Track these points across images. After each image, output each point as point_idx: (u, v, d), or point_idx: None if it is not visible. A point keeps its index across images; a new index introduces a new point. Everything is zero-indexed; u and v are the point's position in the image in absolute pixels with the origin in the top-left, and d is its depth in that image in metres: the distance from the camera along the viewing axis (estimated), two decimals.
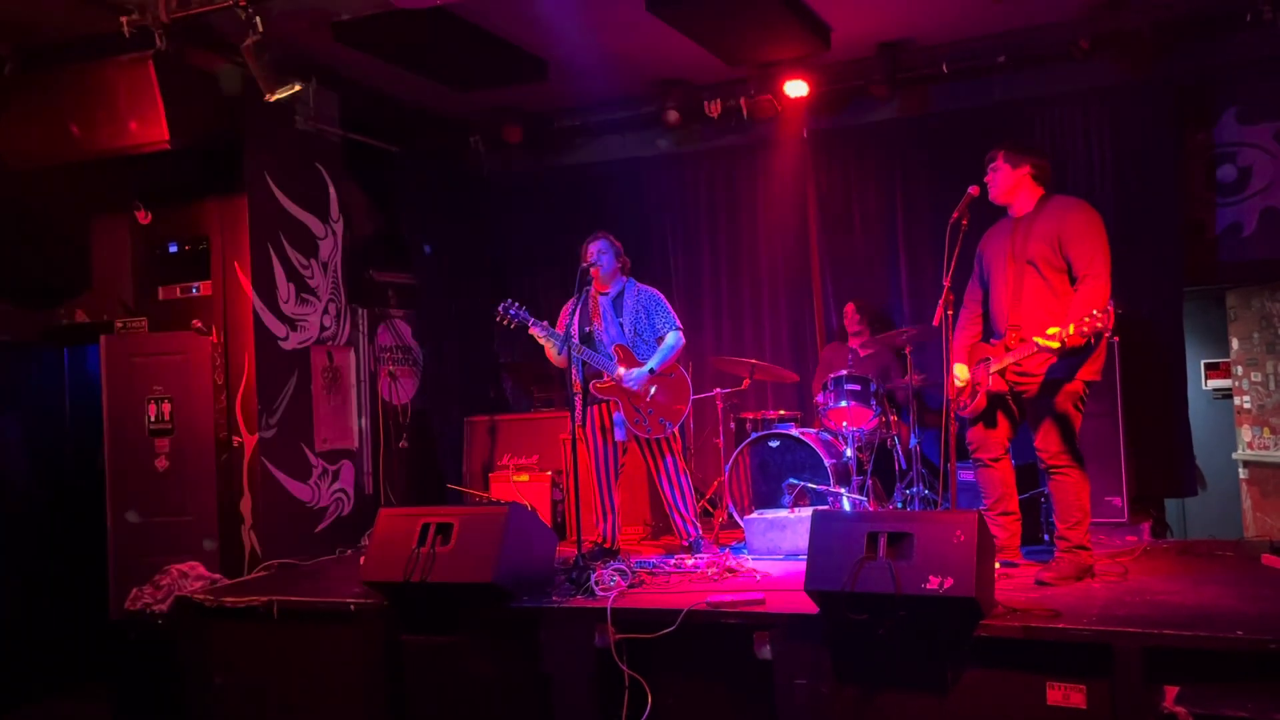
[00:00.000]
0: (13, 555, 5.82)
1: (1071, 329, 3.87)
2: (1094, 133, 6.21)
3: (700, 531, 5.40)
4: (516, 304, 5.13)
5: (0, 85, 5.42)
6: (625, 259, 5.40)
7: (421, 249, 7.25)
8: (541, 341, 5.19)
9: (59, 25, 5.29)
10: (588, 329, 5.27)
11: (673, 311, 5.42)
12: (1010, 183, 4.42)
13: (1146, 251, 6.01)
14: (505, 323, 5.11)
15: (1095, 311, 3.84)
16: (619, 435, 5.22)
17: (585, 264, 5.17)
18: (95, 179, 5.95)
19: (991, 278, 4.50)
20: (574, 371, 5.07)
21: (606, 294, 5.37)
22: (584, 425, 5.22)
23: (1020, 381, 4.32)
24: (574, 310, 5.10)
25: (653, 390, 5.23)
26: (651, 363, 5.23)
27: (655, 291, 5.45)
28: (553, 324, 5.26)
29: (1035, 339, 4.01)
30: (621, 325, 5.30)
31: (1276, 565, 4.32)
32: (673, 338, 5.32)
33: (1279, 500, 6.35)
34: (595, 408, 5.27)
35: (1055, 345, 3.93)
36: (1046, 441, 4.31)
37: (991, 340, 4.52)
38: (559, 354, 5.17)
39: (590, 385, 5.19)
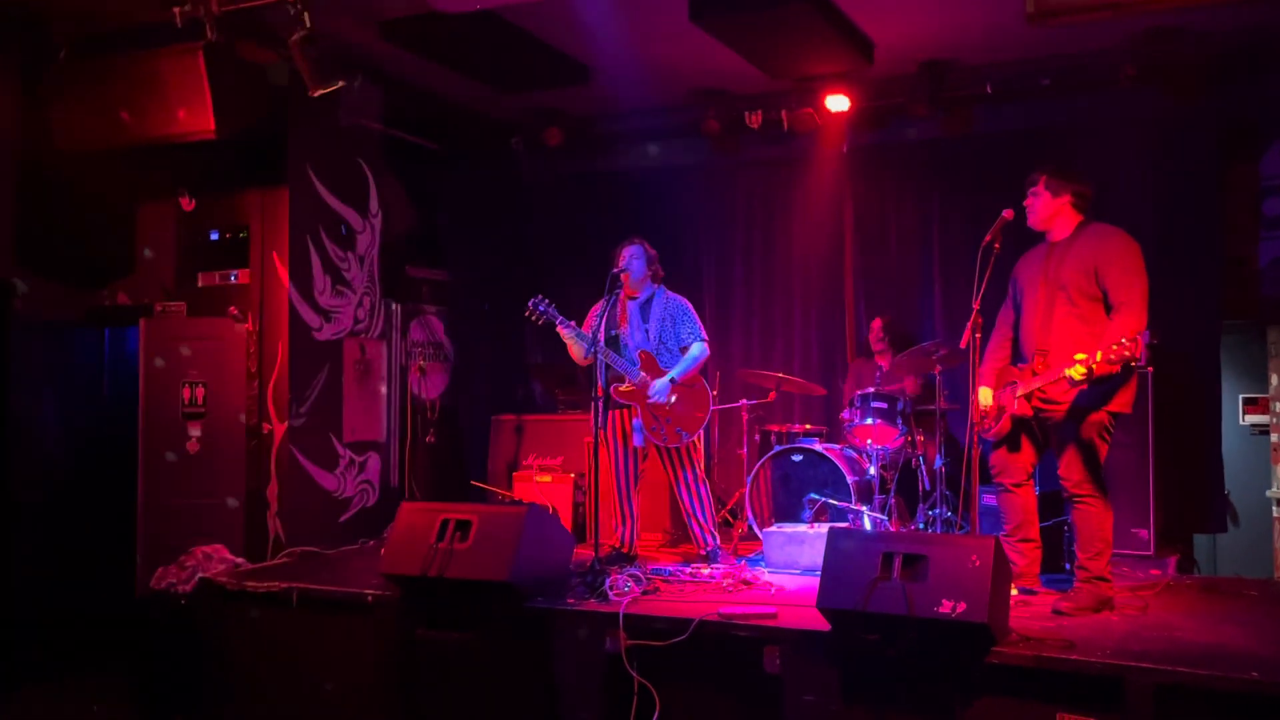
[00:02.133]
0: (48, 531, 5.94)
1: (1099, 356, 3.83)
2: (1137, 162, 6.14)
3: (718, 542, 5.41)
4: (546, 300, 5.15)
5: (55, 70, 5.54)
6: (658, 266, 5.42)
7: (463, 259, 7.32)
8: (567, 341, 5.22)
9: (113, 14, 5.43)
10: (614, 332, 5.29)
11: (699, 322, 5.43)
12: (1051, 210, 4.38)
13: (1186, 284, 5.93)
14: (534, 318, 5.13)
15: (1124, 340, 3.80)
16: (637, 441, 5.23)
17: (616, 268, 5.19)
18: (142, 165, 6.07)
19: (1023, 302, 4.47)
20: (598, 374, 5.09)
21: (635, 299, 5.39)
22: (604, 429, 5.21)
23: (1046, 408, 4.29)
24: (602, 313, 5.12)
25: (672, 399, 5.23)
26: (673, 372, 5.24)
27: (684, 300, 5.46)
28: (580, 325, 5.28)
29: (1065, 371, 3.96)
30: (647, 331, 5.33)
31: None
32: (697, 348, 5.33)
33: None
34: (616, 412, 5.29)
35: (1082, 373, 3.89)
36: (1070, 470, 4.26)
37: (1019, 365, 4.48)
38: (584, 356, 5.20)
39: (611, 389, 5.20)
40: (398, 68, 6.41)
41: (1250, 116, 6.06)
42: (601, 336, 5.05)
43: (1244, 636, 3.78)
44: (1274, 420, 6.54)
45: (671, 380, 5.22)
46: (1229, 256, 6.06)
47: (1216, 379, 6.05)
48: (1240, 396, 7.61)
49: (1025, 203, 4.43)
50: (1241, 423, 7.64)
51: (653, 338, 5.32)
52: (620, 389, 5.20)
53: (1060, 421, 4.27)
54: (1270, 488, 6.58)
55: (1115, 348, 3.80)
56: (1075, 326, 4.21)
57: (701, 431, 5.38)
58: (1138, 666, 3.31)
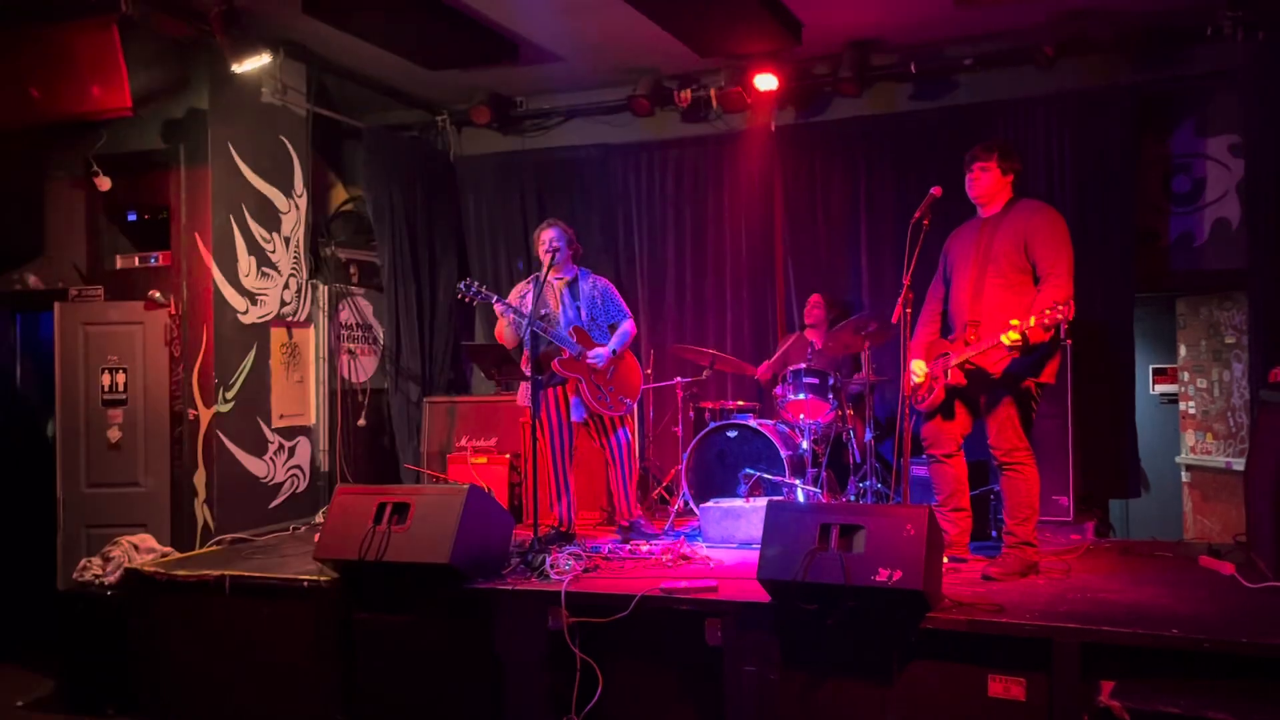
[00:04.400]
0: None
1: (1033, 321, 3.99)
2: (1055, 138, 6.31)
3: (640, 513, 5.52)
4: (477, 283, 5.16)
5: None
6: (578, 245, 5.46)
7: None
8: (502, 319, 5.22)
9: None
10: (544, 311, 5.30)
11: (623, 301, 5.55)
12: (998, 185, 4.49)
13: (1101, 257, 6.13)
14: (467, 300, 5.13)
15: (1058, 304, 3.96)
16: (577, 416, 5.30)
17: (542, 250, 5.22)
18: (53, 143, 5.85)
19: (954, 275, 4.58)
20: (529, 351, 5.09)
21: (561, 278, 5.41)
22: (541, 405, 5.24)
23: (977, 376, 4.40)
24: (525, 294, 5.20)
25: (612, 371, 5.34)
26: (612, 344, 5.33)
27: (607, 281, 5.56)
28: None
29: (1000, 337, 4.09)
30: (579, 309, 5.38)
31: (1213, 567, 4.45)
32: (627, 325, 5.46)
33: (1219, 504, 6.53)
34: (553, 389, 5.31)
35: (1015, 338, 4.03)
36: (1000, 438, 4.40)
37: (950, 337, 4.60)
38: (516, 336, 5.21)
39: (553, 363, 5.21)
40: (321, 45, 6.27)
41: (1162, 96, 6.27)
42: (530, 314, 5.06)
43: (1162, 596, 3.95)
44: (1182, 389, 6.82)
45: (613, 351, 5.30)
46: (1141, 230, 6.28)
47: (1130, 349, 6.28)
48: (1150, 367, 7.92)
49: (970, 176, 4.51)
50: (1151, 392, 7.95)
51: (584, 315, 5.37)
52: (563, 361, 5.22)
53: (991, 391, 4.40)
54: (1179, 454, 6.88)
55: (1048, 313, 3.95)
56: (1005, 298, 4.34)
57: (634, 405, 5.48)
58: (1064, 627, 3.44)
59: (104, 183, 5.90)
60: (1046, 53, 5.99)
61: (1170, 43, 5.98)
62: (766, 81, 6.54)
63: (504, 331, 5.27)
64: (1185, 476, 6.84)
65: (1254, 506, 4.69)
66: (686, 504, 5.91)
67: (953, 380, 4.43)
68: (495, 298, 5.13)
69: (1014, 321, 4.06)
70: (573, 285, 5.41)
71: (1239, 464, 6.09)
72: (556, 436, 5.34)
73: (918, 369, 4.56)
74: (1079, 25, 5.84)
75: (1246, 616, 3.61)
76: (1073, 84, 6.23)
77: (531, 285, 5.26)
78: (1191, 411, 6.76)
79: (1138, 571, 4.50)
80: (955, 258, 4.59)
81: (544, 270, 5.15)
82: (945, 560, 4.21)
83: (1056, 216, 4.40)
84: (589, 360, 5.25)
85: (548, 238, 5.27)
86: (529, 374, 5.05)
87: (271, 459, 6.27)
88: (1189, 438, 6.78)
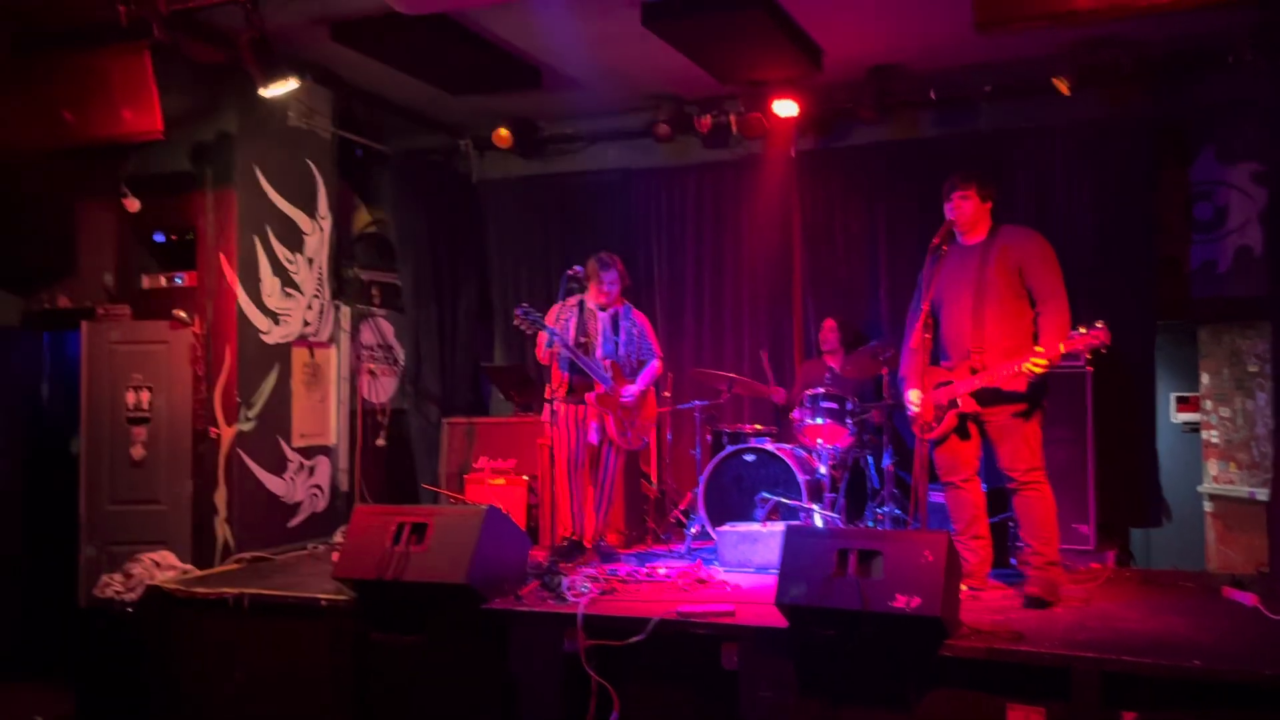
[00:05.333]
0: None
1: (1062, 348, 4.06)
2: (1075, 165, 6.32)
3: (610, 541, 5.71)
4: (532, 309, 5.26)
5: None
6: (629, 281, 5.68)
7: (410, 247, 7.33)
8: (546, 344, 5.33)
9: (57, 12, 5.30)
10: (584, 339, 5.49)
11: (656, 341, 5.75)
12: (978, 213, 4.54)
13: (1122, 284, 6.11)
14: (524, 326, 5.25)
15: (1081, 329, 4.01)
16: (593, 438, 5.47)
17: (602, 289, 5.49)
18: (84, 165, 5.95)
19: (945, 304, 4.59)
20: (560, 370, 5.35)
21: (605, 310, 5.60)
22: (559, 422, 5.43)
23: (991, 399, 4.39)
24: (565, 318, 5.43)
25: (637, 408, 5.58)
26: (641, 384, 5.55)
27: (646, 320, 5.75)
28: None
29: (1023, 365, 4.12)
30: (617, 343, 5.56)
31: (1236, 598, 4.41)
32: (656, 364, 5.69)
33: (1241, 534, 6.46)
34: (570, 407, 5.45)
35: (1043, 364, 4.10)
36: (1015, 460, 4.39)
37: (942, 363, 4.60)
38: (550, 355, 5.37)
39: (587, 396, 5.40)
40: (348, 69, 6.36)
41: (1182, 123, 6.27)
42: (572, 339, 5.37)
43: (1184, 626, 3.92)
44: (1205, 418, 6.76)
45: (642, 392, 5.56)
46: (1163, 258, 6.25)
47: (1152, 377, 6.24)
48: (1172, 395, 7.85)
49: (950, 204, 4.54)
50: (1173, 420, 7.88)
51: (621, 349, 5.56)
52: (597, 394, 5.40)
53: (1005, 413, 4.39)
54: (1201, 483, 6.81)
55: (1079, 337, 4.01)
56: (1005, 323, 4.41)
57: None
58: (1084, 656, 3.42)
59: (133, 204, 6.00)
60: (1066, 80, 6.00)
61: (1190, 70, 5.98)
62: (787, 108, 6.57)
63: (542, 352, 5.40)
64: (1208, 506, 6.77)
65: (1278, 538, 4.65)
66: (703, 528, 5.90)
67: (964, 408, 4.42)
68: (547, 328, 5.26)
69: (1038, 348, 4.13)
70: (615, 319, 5.60)
71: (1262, 494, 6.03)
72: (573, 451, 5.46)
73: (914, 399, 4.56)
74: (1099, 53, 5.85)
75: (1271, 648, 3.57)
76: (1093, 112, 6.23)
77: (575, 310, 5.50)
78: (1214, 440, 6.70)
79: (1159, 601, 4.46)
80: (945, 285, 4.58)
81: (565, 290, 5.34)
82: (964, 589, 4.19)
83: (1045, 241, 4.49)
84: (622, 398, 5.45)
85: (609, 279, 5.51)
86: (551, 397, 5.28)
87: (292, 478, 6.32)
88: (1211, 467, 6.71)
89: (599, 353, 5.49)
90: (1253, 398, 6.44)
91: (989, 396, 4.39)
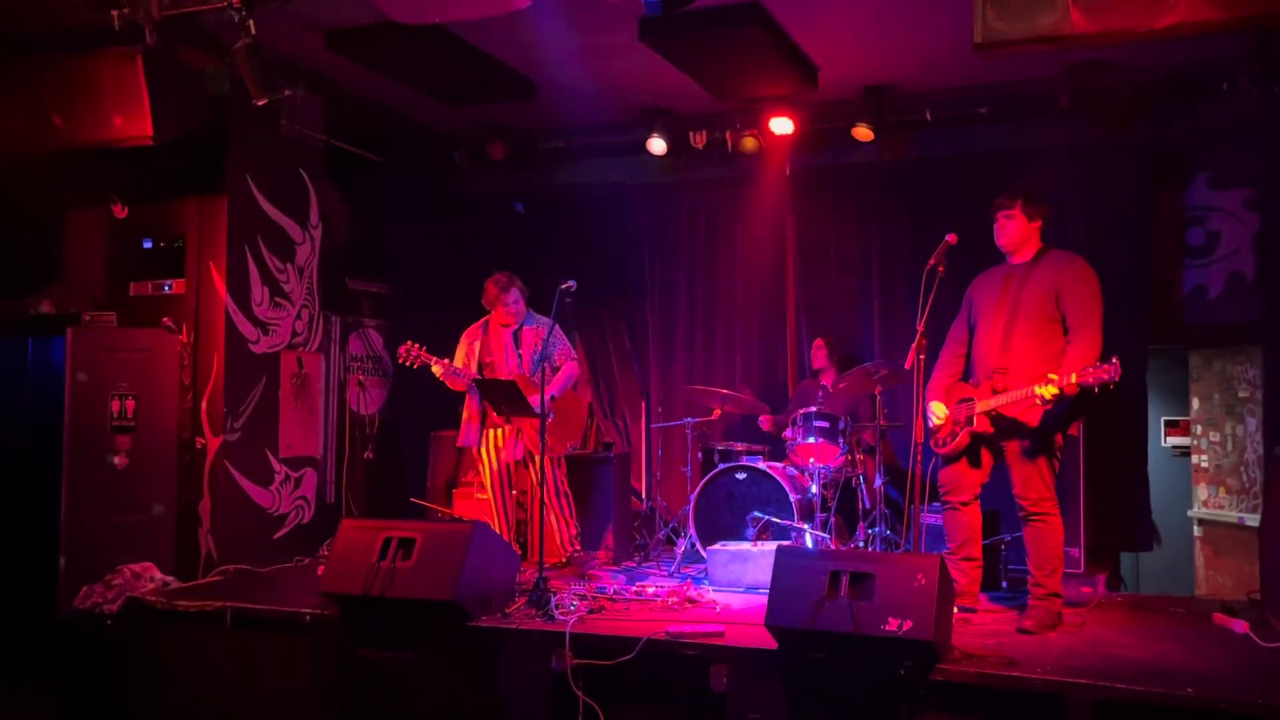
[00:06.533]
0: None
1: (1074, 379, 3.97)
2: (1069, 188, 6.32)
3: (580, 548, 5.77)
4: (418, 345, 5.42)
5: None
6: (528, 293, 5.78)
7: (401, 252, 7.34)
8: (442, 378, 5.54)
9: (47, 14, 5.25)
10: (488, 360, 5.62)
11: (567, 342, 5.80)
12: (1025, 233, 4.50)
13: (1116, 308, 6.05)
14: (408, 363, 5.40)
15: (1099, 363, 3.95)
16: (518, 454, 5.61)
17: (509, 311, 5.62)
18: (72, 170, 5.89)
19: (980, 320, 4.56)
20: (472, 398, 5.51)
21: (509, 326, 5.69)
22: (479, 447, 5.62)
23: (1005, 424, 4.36)
24: (475, 339, 5.66)
25: (550, 416, 5.53)
26: (550, 390, 5.49)
27: (552, 323, 5.51)
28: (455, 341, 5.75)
29: (1035, 389, 4.07)
30: (520, 357, 5.63)
31: (1227, 625, 4.39)
32: (568, 367, 5.72)
33: (1231, 559, 6.45)
34: (490, 431, 5.59)
35: (1054, 391, 4.01)
36: (1027, 489, 4.35)
37: (972, 381, 4.57)
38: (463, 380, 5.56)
39: (492, 414, 5.52)
40: (342, 78, 6.33)
41: (1176, 148, 6.29)
42: (475, 368, 5.54)
43: (1177, 652, 3.90)
44: (1195, 443, 6.76)
45: (552, 398, 5.53)
46: (1155, 282, 6.26)
47: (1143, 401, 6.24)
48: (1162, 419, 7.86)
49: (997, 224, 4.51)
50: (1163, 444, 7.89)
51: (525, 363, 5.62)
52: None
53: (1018, 442, 4.35)
54: (1191, 508, 6.81)
55: (1091, 371, 3.93)
56: (1034, 346, 4.34)
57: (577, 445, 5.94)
58: (1078, 683, 3.39)
59: (122, 210, 5.93)
60: (1061, 103, 6.01)
61: (1185, 96, 6.00)
62: (782, 125, 6.57)
63: (452, 383, 5.58)
64: (1197, 531, 6.76)
65: (1268, 564, 4.64)
66: (693, 546, 5.86)
67: (979, 428, 4.38)
68: (434, 360, 5.41)
69: (1052, 376, 4.04)
70: (517, 334, 5.69)
71: (1252, 519, 6.02)
72: (496, 475, 5.64)
73: (937, 411, 4.53)
74: (1095, 77, 5.87)
75: (1262, 675, 3.55)
76: (1087, 135, 6.25)
77: (480, 332, 5.67)
78: (1204, 465, 6.70)
79: (1151, 627, 4.44)
80: (982, 303, 4.56)
81: (558, 309, 5.17)
82: (955, 611, 4.15)
83: (1090, 270, 4.41)
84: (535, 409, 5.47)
85: (512, 300, 5.62)
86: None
87: (278, 490, 6.24)
88: (1201, 491, 6.71)
89: (501, 371, 5.59)
90: (1243, 423, 6.45)
91: (1006, 427, 4.35)
